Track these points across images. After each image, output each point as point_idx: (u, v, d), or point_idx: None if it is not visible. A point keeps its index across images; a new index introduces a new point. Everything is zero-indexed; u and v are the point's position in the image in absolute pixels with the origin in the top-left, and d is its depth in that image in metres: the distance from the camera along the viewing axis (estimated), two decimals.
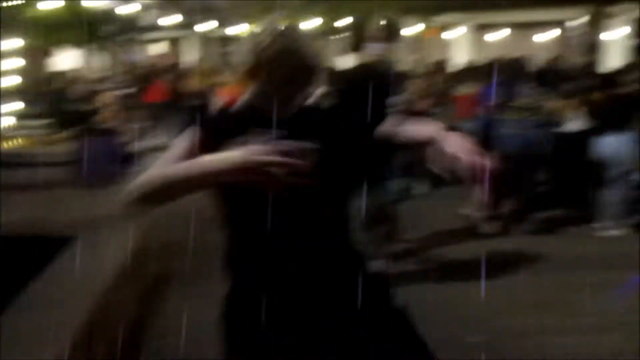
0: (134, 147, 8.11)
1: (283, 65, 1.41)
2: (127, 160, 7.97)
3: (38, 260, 2.99)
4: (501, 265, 4.54)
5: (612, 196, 5.45)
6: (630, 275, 4.23)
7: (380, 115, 1.55)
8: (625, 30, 12.62)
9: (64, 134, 7.97)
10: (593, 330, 3.43)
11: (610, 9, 11.92)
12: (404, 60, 9.10)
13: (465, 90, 7.25)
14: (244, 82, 1.48)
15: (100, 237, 3.55)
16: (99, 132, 7.30)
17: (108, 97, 7.30)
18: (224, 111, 1.58)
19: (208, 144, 1.39)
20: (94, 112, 7.43)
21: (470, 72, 7.84)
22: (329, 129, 1.46)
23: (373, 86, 1.56)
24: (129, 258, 3.25)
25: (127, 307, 3.24)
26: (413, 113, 6.84)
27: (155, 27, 14.00)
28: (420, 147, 1.43)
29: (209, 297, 3.90)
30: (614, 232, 5.37)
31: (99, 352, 2.66)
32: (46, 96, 10.01)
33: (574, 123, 6.47)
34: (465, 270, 4.35)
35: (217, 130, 1.46)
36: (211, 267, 4.31)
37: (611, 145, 5.34)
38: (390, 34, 5.00)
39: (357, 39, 7.55)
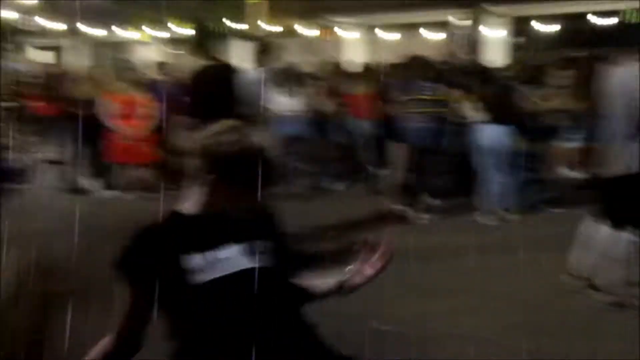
0: (23, 162, 7.57)
1: (246, 166, 1.42)
2: (14, 175, 7.43)
3: None
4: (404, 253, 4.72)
5: (491, 186, 5.82)
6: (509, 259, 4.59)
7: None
8: (505, 29, 13.58)
9: None
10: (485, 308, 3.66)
11: (491, 9, 12.75)
12: (302, 62, 9.19)
13: (361, 90, 7.45)
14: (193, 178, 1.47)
15: None
16: None
17: None
18: (183, 218, 1.51)
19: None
20: None
21: (366, 73, 8.05)
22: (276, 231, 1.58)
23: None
24: (12, 279, 3.02)
25: (19, 328, 3.01)
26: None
27: (39, 34, 13.15)
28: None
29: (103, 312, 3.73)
30: (492, 221, 5.74)
31: None
32: None
33: (468, 115, 6.91)
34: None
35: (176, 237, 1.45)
36: (101, 285, 4.15)
37: (490, 135, 5.68)
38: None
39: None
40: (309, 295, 1.63)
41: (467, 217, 5.89)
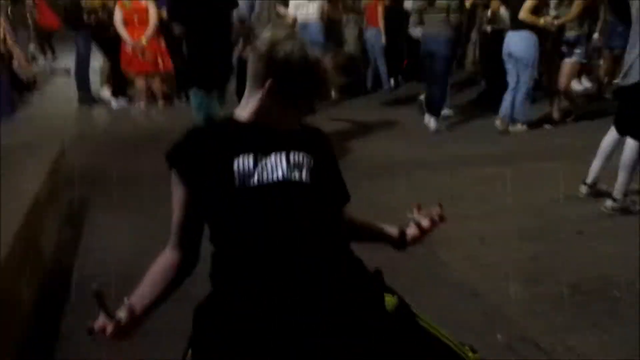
0: (29, 73, 7.58)
1: (299, 78, 1.39)
2: (22, 86, 7.48)
3: None
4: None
5: (512, 95, 5.79)
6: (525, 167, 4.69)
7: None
8: None
9: None
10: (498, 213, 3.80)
11: None
12: None
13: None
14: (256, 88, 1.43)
15: (10, 166, 3.39)
16: None
17: None
18: (231, 122, 1.48)
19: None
20: None
21: None
22: (321, 148, 1.50)
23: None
24: (44, 184, 3.15)
25: (48, 231, 3.19)
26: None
27: None
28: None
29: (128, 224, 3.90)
30: (510, 131, 5.79)
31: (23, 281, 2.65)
32: None
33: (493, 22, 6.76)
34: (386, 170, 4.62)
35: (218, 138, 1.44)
36: (129, 196, 4.31)
37: (516, 43, 5.57)
38: None
39: None
40: (356, 231, 1.59)
41: (485, 128, 5.91)
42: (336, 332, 1.32)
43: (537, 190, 4.15)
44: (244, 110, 1.46)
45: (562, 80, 5.96)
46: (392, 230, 1.62)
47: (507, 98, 5.77)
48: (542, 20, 5.47)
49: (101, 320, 1.30)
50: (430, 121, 5.98)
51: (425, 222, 1.58)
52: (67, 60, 7.70)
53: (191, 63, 4.54)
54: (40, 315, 2.65)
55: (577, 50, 5.86)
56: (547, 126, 6.03)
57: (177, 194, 1.43)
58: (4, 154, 3.57)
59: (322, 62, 1.42)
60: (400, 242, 1.61)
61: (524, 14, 5.42)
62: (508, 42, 5.65)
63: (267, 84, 1.40)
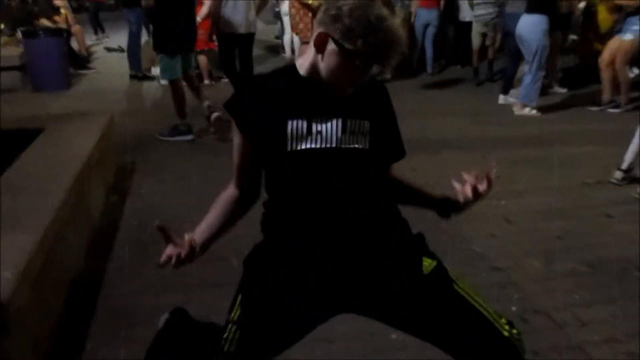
0: (83, 48, 7.91)
1: (365, 39, 1.27)
2: (75, 61, 7.84)
3: (7, 152, 3.12)
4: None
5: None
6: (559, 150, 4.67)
7: None
8: None
9: (16, 35, 7.72)
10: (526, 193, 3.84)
11: None
12: None
13: None
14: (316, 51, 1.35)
15: (65, 130, 3.65)
16: (47, 33, 7.10)
17: None
18: (291, 74, 1.44)
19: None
20: (44, 12, 7.19)
21: None
22: (380, 105, 1.48)
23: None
24: (94, 149, 3.39)
25: (95, 194, 3.44)
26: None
27: None
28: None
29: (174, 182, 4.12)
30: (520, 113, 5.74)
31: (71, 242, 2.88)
32: None
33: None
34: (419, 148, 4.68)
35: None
36: (173, 163, 4.54)
37: (526, 27, 5.51)
38: None
39: None
40: (405, 194, 1.56)
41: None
42: (373, 286, 1.39)
43: (570, 174, 4.15)
44: (306, 61, 1.40)
45: (617, 59, 5.74)
46: (438, 196, 1.55)
47: (524, 80, 5.76)
48: None
49: (168, 251, 1.40)
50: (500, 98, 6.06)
51: (482, 186, 1.42)
52: (122, 38, 8.01)
53: (157, 31, 4.94)
54: (87, 265, 2.90)
55: (635, 27, 5.57)
56: (592, 108, 5.93)
57: (236, 140, 1.46)
58: (58, 120, 3.85)
59: (388, 20, 1.29)
60: (446, 209, 1.53)
61: None
62: (519, 25, 5.61)
63: (325, 38, 1.31)
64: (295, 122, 1.36)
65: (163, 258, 1.41)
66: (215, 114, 5.01)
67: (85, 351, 2.29)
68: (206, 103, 5.18)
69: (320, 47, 1.34)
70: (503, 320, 1.41)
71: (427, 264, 1.44)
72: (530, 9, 5.53)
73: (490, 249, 3.07)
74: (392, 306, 1.41)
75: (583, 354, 2.25)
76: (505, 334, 1.38)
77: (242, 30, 5.52)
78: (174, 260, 1.39)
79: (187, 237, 1.44)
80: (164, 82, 5.92)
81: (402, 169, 1.60)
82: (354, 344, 2.28)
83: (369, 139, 1.39)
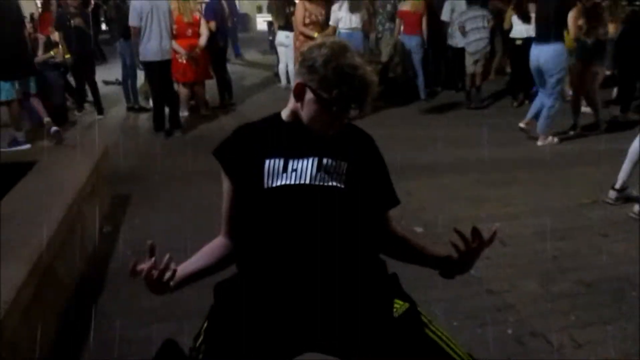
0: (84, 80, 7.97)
1: (340, 87, 1.37)
2: (77, 93, 7.89)
3: (3, 185, 3.12)
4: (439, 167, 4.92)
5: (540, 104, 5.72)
6: (553, 171, 4.68)
7: None
8: None
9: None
10: (521, 215, 3.83)
11: None
12: None
13: (409, 7, 7.38)
14: (295, 98, 1.46)
15: (58, 162, 3.66)
16: (45, 68, 7.17)
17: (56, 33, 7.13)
18: (275, 120, 1.53)
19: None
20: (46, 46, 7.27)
21: None
22: (363, 152, 1.51)
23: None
24: (87, 180, 3.40)
25: (88, 225, 3.43)
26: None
27: None
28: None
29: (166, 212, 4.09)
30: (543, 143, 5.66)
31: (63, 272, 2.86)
32: None
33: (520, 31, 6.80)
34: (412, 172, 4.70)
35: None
36: (167, 195, 4.53)
37: (546, 58, 5.37)
38: None
39: None
40: (406, 252, 1.56)
41: (515, 133, 5.91)
42: (340, 327, 1.38)
43: (564, 194, 4.16)
44: (288, 108, 1.50)
45: (592, 87, 5.80)
46: (440, 254, 1.53)
47: (536, 103, 5.73)
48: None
49: (147, 264, 1.34)
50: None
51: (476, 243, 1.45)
52: (120, 71, 8.09)
53: None
54: (80, 295, 2.88)
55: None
56: (571, 132, 5.94)
57: (224, 186, 1.53)
58: (52, 152, 3.87)
59: (360, 68, 1.39)
60: (448, 269, 1.52)
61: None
62: (537, 55, 5.43)
63: (303, 88, 1.42)
64: (272, 161, 1.43)
65: (137, 267, 1.34)
66: (53, 129, 5.86)
67: None
68: (46, 119, 6.04)
69: (299, 96, 1.45)
70: None
71: (399, 306, 1.44)
72: (549, 39, 5.30)
73: (485, 271, 3.05)
74: (359, 348, 1.40)
75: None
76: None
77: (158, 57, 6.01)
78: (144, 274, 1.34)
79: (168, 259, 1.39)
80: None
81: (397, 193, 1.59)
82: None
83: (345, 180, 1.42)
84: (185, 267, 1.48)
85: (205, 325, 1.48)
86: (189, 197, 4.24)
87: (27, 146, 5.76)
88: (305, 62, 1.42)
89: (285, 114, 1.52)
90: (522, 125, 5.74)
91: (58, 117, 6.59)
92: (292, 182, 1.41)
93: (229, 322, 1.43)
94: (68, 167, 3.55)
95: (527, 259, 3.24)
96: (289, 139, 1.47)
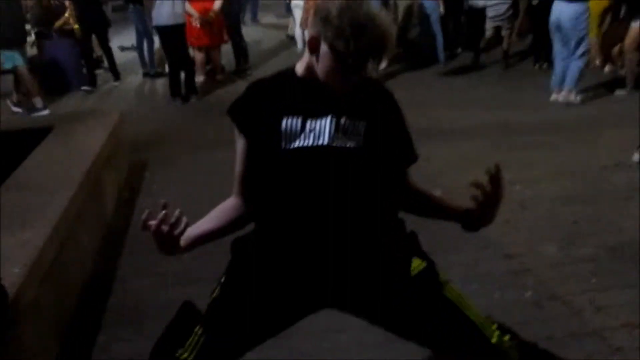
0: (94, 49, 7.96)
1: (356, 39, 1.27)
2: (89, 62, 7.89)
3: (18, 151, 3.15)
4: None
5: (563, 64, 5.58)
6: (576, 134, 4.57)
7: None
8: None
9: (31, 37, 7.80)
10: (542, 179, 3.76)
11: None
12: None
13: None
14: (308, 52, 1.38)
15: (75, 128, 3.68)
16: (60, 34, 7.16)
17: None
18: (290, 76, 1.45)
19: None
20: (56, 14, 7.25)
21: None
22: (382, 109, 1.44)
23: None
24: (104, 146, 3.41)
25: (107, 191, 3.46)
26: None
27: None
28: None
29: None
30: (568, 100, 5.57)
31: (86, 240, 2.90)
32: None
33: None
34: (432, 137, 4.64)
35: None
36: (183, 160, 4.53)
37: (569, 16, 5.28)
38: None
39: None
40: (425, 207, 1.53)
41: (537, 95, 5.77)
42: (356, 285, 1.37)
43: (587, 157, 4.07)
44: (302, 63, 1.42)
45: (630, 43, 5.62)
46: (460, 208, 1.49)
47: (557, 69, 5.58)
48: None
49: (159, 219, 1.30)
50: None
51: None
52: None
53: None
54: (99, 260, 2.92)
55: None
56: (618, 92, 5.77)
57: (238, 145, 1.47)
58: (69, 118, 3.88)
59: (377, 18, 1.30)
60: (469, 222, 1.49)
61: None
62: (558, 14, 5.34)
63: (317, 41, 1.34)
64: (289, 120, 1.37)
65: (148, 221, 1.31)
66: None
67: (96, 345, 2.31)
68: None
69: (313, 50, 1.36)
70: (494, 327, 1.40)
71: (416, 265, 1.42)
72: None
73: (504, 235, 3.02)
74: (374, 306, 1.40)
75: (600, 340, 2.20)
76: (494, 340, 1.37)
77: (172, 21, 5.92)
78: (154, 228, 1.31)
79: (179, 214, 1.34)
80: None
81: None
82: (365, 334, 2.25)
83: (363, 139, 1.37)
84: (196, 228, 1.46)
85: (223, 279, 1.48)
86: (206, 163, 4.24)
87: (47, 112, 5.80)
88: (319, 13, 1.33)
89: (300, 68, 1.44)
90: (557, 97, 5.62)
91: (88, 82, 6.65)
92: (310, 144, 1.36)
93: (245, 277, 1.43)
94: (85, 133, 3.56)
95: (548, 222, 3.19)
96: (305, 97, 1.40)
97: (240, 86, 6.92)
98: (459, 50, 8.19)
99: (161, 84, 7.35)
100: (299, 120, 1.36)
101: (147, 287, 2.67)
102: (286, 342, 1.86)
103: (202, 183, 3.82)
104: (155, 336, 1.56)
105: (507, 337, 1.39)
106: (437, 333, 1.37)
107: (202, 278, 2.50)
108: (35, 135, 3.33)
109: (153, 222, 1.31)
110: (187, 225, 1.36)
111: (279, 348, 1.89)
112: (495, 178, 1.39)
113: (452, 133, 4.78)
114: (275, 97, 1.43)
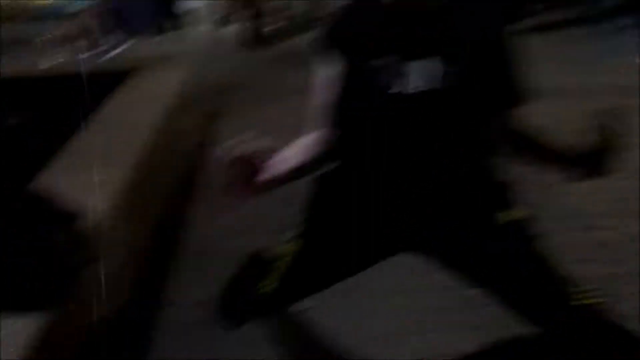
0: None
1: None
2: (165, 8, 7.93)
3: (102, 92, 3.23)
4: None
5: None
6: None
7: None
8: None
9: None
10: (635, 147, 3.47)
11: None
12: None
13: None
14: None
15: (151, 74, 3.73)
16: None
17: None
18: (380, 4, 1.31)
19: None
20: None
21: None
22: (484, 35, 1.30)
23: None
24: (176, 94, 3.44)
25: (185, 134, 3.51)
26: None
27: None
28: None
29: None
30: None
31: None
32: None
33: None
34: None
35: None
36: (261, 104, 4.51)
37: None
38: None
39: None
40: (526, 142, 1.46)
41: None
42: (438, 230, 1.35)
43: None
44: None
45: None
46: (568, 152, 1.43)
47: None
48: None
49: (247, 148, 1.32)
50: None
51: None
52: None
53: None
54: (172, 206, 2.99)
55: None
56: None
57: (321, 75, 1.39)
58: (145, 64, 3.92)
59: None
60: (576, 169, 1.42)
61: None
62: None
63: None
64: (382, 61, 1.25)
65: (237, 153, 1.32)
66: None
67: (166, 288, 2.38)
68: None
69: None
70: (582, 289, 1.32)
71: (506, 214, 1.37)
72: None
73: (588, 205, 2.84)
74: (453, 253, 1.37)
75: None
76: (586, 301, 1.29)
77: None
78: (243, 160, 1.32)
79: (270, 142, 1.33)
80: None
81: None
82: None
83: (464, 81, 1.25)
84: (281, 163, 1.42)
85: (307, 213, 1.46)
86: (277, 113, 4.21)
87: (128, 44, 5.85)
88: None
89: None
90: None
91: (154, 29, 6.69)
92: (409, 91, 1.24)
93: (328, 213, 1.42)
94: (158, 79, 3.60)
95: (637, 195, 2.98)
96: (398, 32, 1.26)
97: (310, 35, 6.84)
98: (541, 5, 7.68)
99: (231, 32, 7.34)
100: (393, 61, 1.24)
101: (217, 235, 2.71)
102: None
103: (273, 132, 3.80)
104: (221, 282, 1.57)
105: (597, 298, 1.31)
106: (520, 284, 1.32)
107: (271, 228, 2.53)
108: (110, 79, 3.39)
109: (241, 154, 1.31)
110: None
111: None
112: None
113: (535, 94, 4.50)
114: (366, 28, 1.31)
